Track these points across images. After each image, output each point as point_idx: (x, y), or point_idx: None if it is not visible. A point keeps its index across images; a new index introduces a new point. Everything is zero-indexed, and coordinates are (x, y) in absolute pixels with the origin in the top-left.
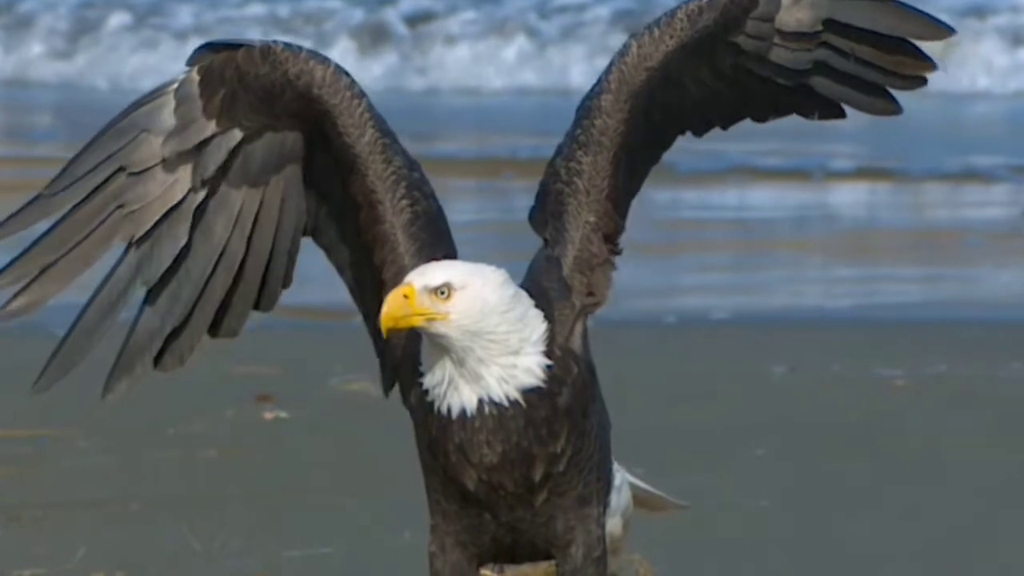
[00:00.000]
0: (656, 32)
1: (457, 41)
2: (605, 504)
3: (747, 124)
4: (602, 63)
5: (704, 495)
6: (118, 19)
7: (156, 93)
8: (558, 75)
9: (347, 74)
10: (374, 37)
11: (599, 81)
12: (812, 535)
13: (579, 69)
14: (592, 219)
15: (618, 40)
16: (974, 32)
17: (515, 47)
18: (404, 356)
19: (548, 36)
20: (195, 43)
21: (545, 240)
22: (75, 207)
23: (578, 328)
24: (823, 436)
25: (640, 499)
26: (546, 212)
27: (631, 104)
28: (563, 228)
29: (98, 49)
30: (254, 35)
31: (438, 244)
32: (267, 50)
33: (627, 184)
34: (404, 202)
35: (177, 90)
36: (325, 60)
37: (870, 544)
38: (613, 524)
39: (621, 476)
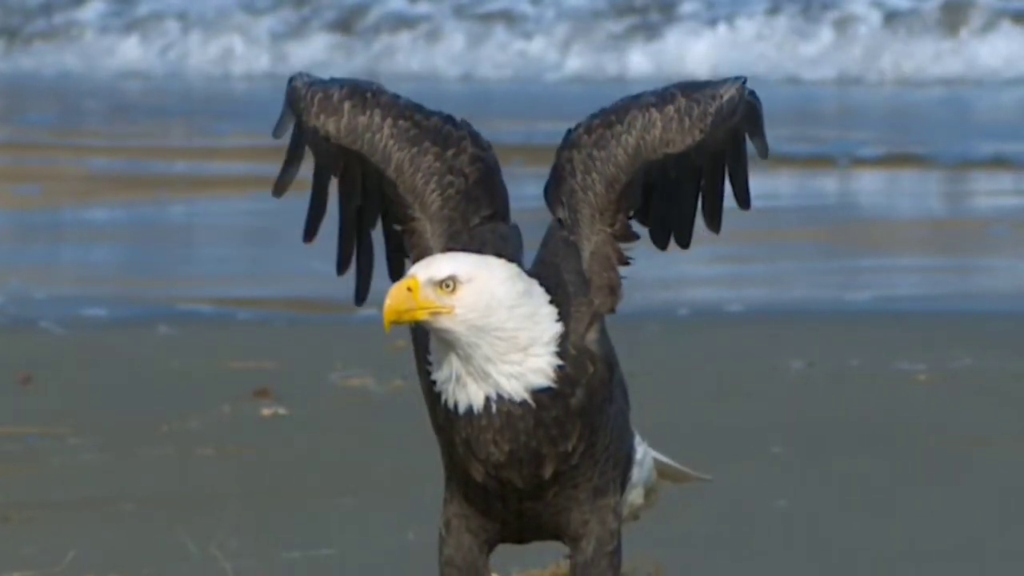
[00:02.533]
0: (687, 122)
1: (444, 28)
2: (624, 483)
3: (766, 112)
4: (583, 52)
5: (719, 493)
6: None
7: (291, 83)
8: (537, 64)
9: (364, 108)
10: (351, 25)
11: (617, 128)
12: (830, 535)
13: (558, 59)
14: (608, 229)
15: (609, 29)
16: (995, 15)
17: (501, 34)
18: (419, 335)
19: (535, 22)
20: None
21: (560, 221)
22: None
23: (595, 325)
24: (842, 433)
25: (663, 472)
26: (561, 196)
27: (644, 169)
28: (578, 223)
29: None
30: (238, 20)
31: (473, 214)
32: (301, 95)
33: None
34: (434, 195)
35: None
36: (338, 110)
37: (890, 544)
38: (636, 495)
39: (643, 449)
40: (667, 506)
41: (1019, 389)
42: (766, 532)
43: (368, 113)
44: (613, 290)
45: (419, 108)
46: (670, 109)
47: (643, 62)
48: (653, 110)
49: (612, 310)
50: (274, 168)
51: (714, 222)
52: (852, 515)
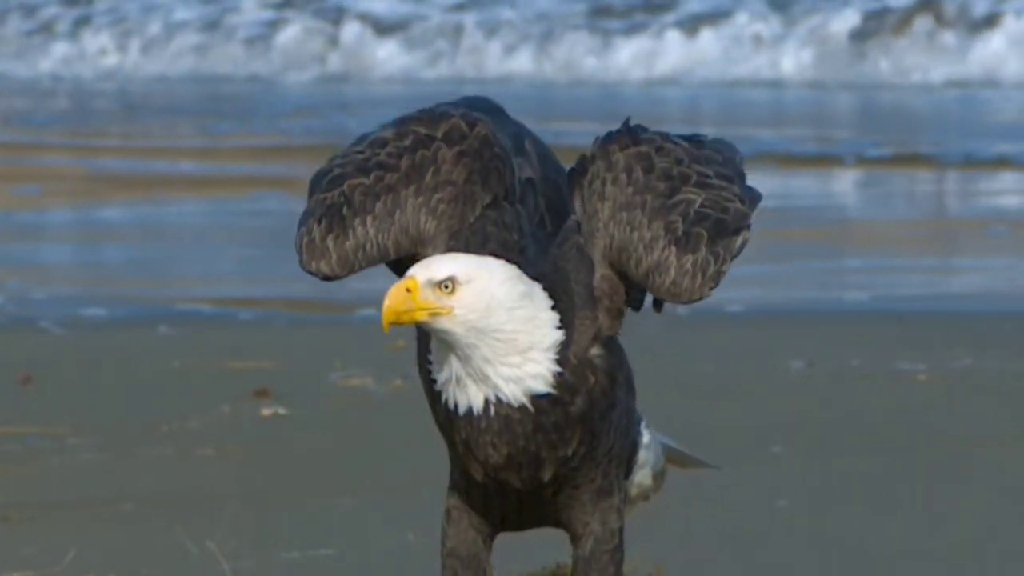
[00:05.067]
0: (698, 280)
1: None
2: (631, 467)
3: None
4: (558, 55)
5: (719, 493)
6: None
7: None
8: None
9: (345, 230)
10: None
11: (643, 225)
12: (831, 535)
13: (534, 62)
14: (616, 273)
15: (585, 33)
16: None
17: (476, 36)
18: (421, 332)
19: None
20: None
21: (578, 224)
22: None
23: (599, 340)
24: (842, 433)
25: (671, 457)
26: (584, 204)
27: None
28: (593, 246)
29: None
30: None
31: (471, 210)
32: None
33: None
34: (428, 224)
35: None
36: (324, 252)
37: (891, 544)
38: (643, 475)
39: (650, 433)
40: (667, 506)
41: (1019, 389)
42: (767, 532)
43: (350, 233)
44: (621, 313)
45: (386, 165)
46: (687, 261)
47: (619, 65)
48: (673, 252)
49: (616, 333)
50: (272, 168)
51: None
52: (852, 515)
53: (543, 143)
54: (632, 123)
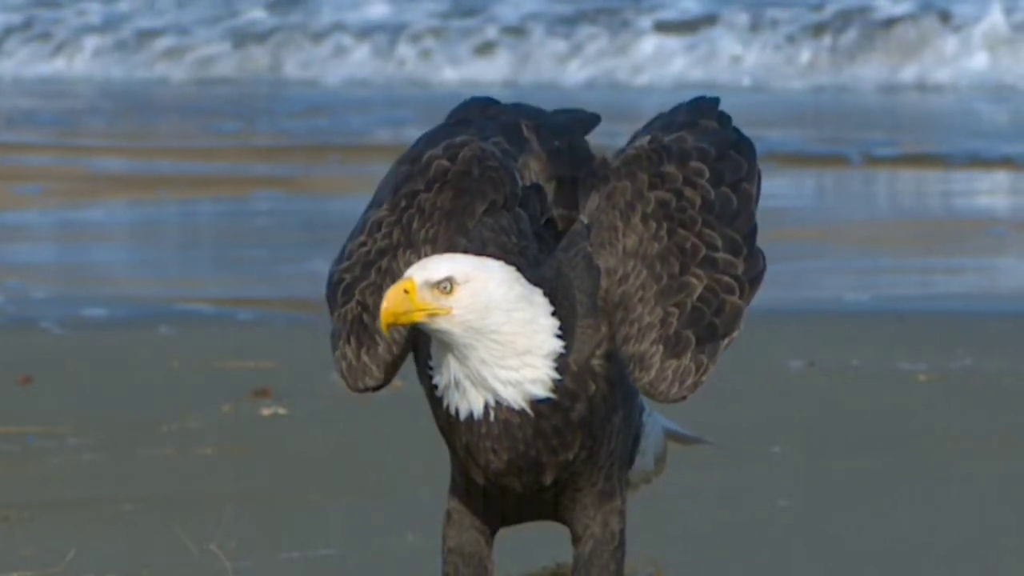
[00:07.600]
0: (676, 387)
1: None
2: (633, 456)
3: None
4: (536, 64)
5: (718, 493)
6: None
7: None
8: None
9: (372, 338)
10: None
11: (640, 303)
12: (830, 534)
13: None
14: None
15: (552, 43)
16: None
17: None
18: (420, 340)
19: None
20: None
21: (587, 228)
22: None
23: (600, 351)
24: (842, 433)
25: (670, 436)
26: (597, 209)
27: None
28: (601, 258)
29: None
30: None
31: (470, 219)
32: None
33: None
34: (426, 251)
35: None
36: (365, 369)
37: (890, 543)
38: (644, 462)
39: (652, 421)
40: (667, 506)
41: (1020, 388)
42: (766, 532)
43: (378, 338)
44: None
45: (384, 250)
46: (669, 367)
47: (598, 71)
48: (659, 352)
49: (615, 340)
50: (272, 168)
51: None
52: (852, 515)
53: (541, 111)
54: (658, 141)
